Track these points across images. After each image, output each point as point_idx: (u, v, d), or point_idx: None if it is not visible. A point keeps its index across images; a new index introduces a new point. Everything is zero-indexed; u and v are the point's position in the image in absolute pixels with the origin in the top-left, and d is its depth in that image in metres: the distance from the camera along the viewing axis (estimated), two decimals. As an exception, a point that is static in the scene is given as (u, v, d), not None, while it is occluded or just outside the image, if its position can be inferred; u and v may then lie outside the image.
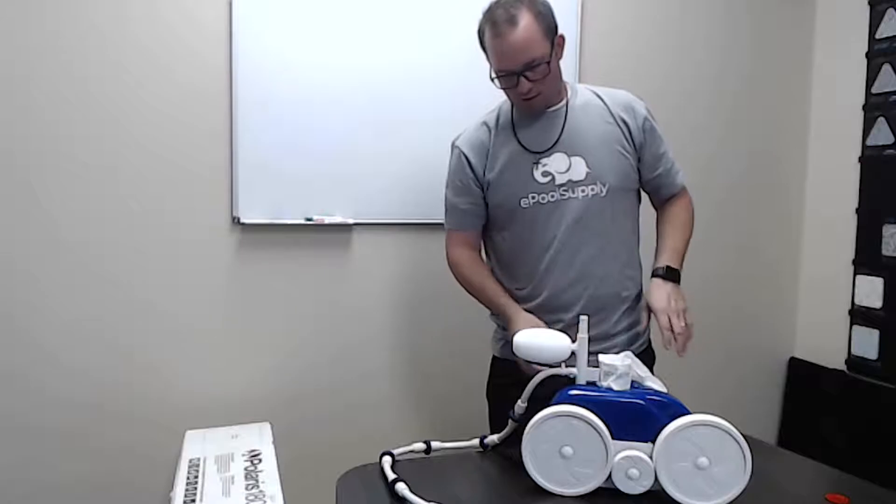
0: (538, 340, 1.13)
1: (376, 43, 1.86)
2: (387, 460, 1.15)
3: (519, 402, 1.17)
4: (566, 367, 1.13)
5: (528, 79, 1.29)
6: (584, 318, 1.11)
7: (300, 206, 1.83)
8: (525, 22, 1.26)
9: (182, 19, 1.70)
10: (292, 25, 1.78)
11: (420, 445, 1.23)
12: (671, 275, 1.33)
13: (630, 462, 1.02)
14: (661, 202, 1.50)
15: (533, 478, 1.06)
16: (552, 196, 1.37)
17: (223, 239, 1.79)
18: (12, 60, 1.58)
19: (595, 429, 1.03)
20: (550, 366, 1.14)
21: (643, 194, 1.51)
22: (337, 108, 1.83)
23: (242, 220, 1.78)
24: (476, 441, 1.26)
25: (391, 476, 1.08)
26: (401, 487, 1.04)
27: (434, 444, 1.24)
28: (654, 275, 1.35)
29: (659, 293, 1.30)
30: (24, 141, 1.61)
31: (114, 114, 1.67)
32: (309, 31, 1.80)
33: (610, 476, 1.03)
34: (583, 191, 1.36)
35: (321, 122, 1.82)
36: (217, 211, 1.78)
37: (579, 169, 1.36)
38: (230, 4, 1.73)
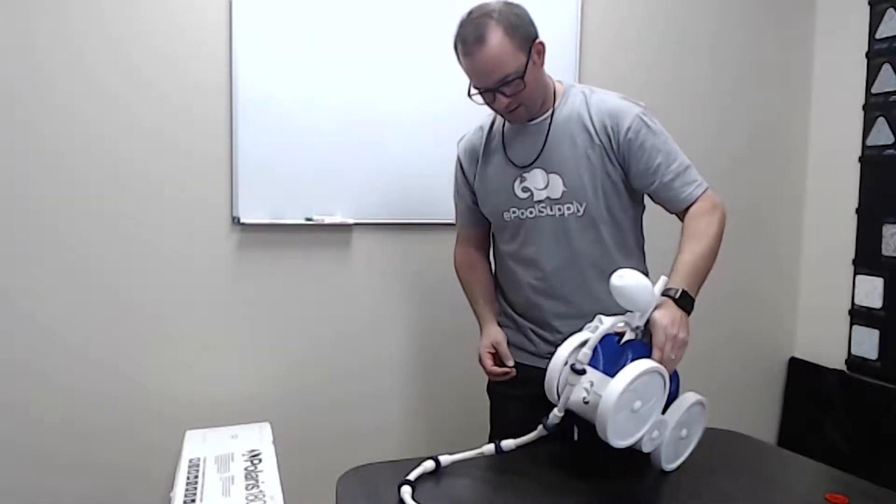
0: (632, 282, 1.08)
1: (376, 43, 1.86)
2: (406, 490, 1.05)
3: (555, 411, 1.09)
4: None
5: (505, 94, 1.26)
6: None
7: (300, 206, 1.83)
8: (494, 39, 1.21)
9: (182, 23, 1.70)
10: (292, 25, 1.78)
11: (430, 464, 1.13)
12: (684, 301, 1.15)
13: (658, 423, 1.08)
14: (679, 213, 1.33)
15: (604, 434, 1.02)
16: (531, 212, 1.35)
17: (223, 239, 1.79)
18: (13, 58, 1.59)
19: (664, 384, 1.07)
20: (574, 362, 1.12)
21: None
22: (337, 108, 1.83)
23: (242, 220, 1.78)
24: (489, 447, 1.18)
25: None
26: (405, 490, 1.03)
27: (443, 459, 1.15)
28: (665, 294, 1.15)
29: (665, 312, 1.11)
30: (22, 141, 1.61)
31: (114, 116, 1.67)
32: (309, 31, 1.80)
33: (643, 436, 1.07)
34: (559, 209, 1.33)
35: (321, 121, 1.82)
36: (217, 211, 1.78)
37: (556, 187, 1.33)
38: (230, 4, 1.73)
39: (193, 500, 1.31)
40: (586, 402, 1.05)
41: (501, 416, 1.45)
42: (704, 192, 1.31)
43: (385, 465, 1.20)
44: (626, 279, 1.07)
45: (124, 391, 1.73)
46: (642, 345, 1.10)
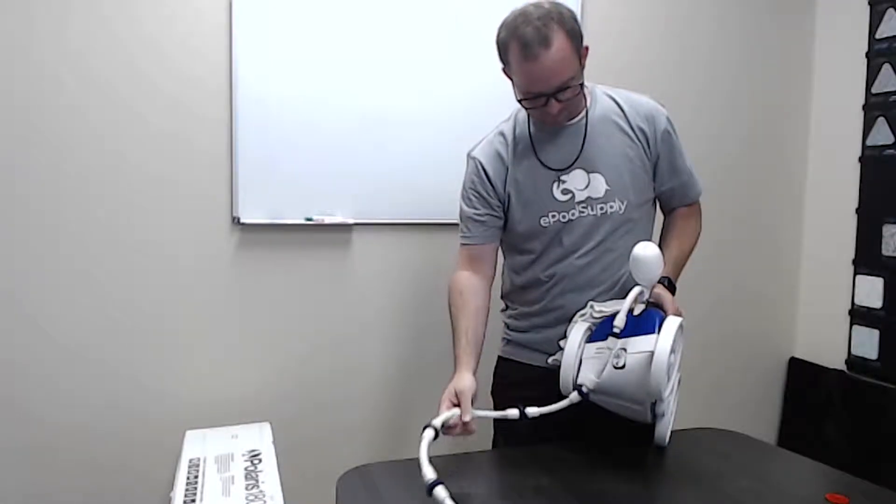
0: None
1: (377, 43, 1.86)
2: (428, 434, 1.06)
3: (591, 376, 1.16)
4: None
5: (559, 100, 1.23)
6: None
7: (300, 206, 1.83)
8: (558, 43, 1.17)
9: (182, 22, 1.70)
10: (293, 25, 1.78)
11: (457, 410, 1.15)
12: (671, 288, 1.30)
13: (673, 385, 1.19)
14: (671, 209, 1.46)
15: (659, 375, 1.08)
16: (572, 214, 1.33)
17: (223, 239, 1.79)
18: (13, 59, 1.59)
19: (682, 342, 1.17)
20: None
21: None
22: (337, 108, 1.83)
23: (242, 220, 1.78)
24: (513, 411, 1.19)
25: (427, 469, 0.98)
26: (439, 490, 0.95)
27: (478, 413, 1.17)
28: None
29: (664, 290, 1.26)
30: (22, 142, 1.61)
31: (113, 116, 1.67)
32: (309, 31, 1.79)
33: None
34: (601, 208, 1.32)
35: (321, 121, 1.82)
36: (217, 211, 1.78)
37: (598, 186, 1.32)
38: (230, 3, 1.73)
39: (193, 500, 1.31)
40: (622, 367, 1.11)
41: (506, 420, 1.44)
42: None
43: (385, 465, 1.20)
44: (649, 250, 1.16)
45: (124, 391, 1.73)
46: (656, 311, 1.18)
